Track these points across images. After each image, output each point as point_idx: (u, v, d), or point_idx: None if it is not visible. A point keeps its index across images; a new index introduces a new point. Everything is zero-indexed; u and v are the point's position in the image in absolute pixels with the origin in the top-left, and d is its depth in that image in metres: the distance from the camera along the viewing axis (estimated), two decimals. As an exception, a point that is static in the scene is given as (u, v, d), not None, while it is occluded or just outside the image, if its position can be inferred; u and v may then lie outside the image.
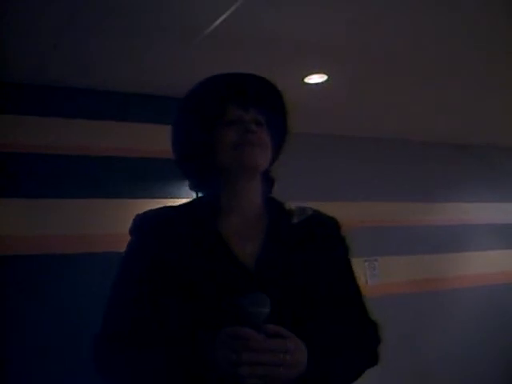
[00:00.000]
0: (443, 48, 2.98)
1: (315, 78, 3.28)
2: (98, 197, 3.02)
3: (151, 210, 1.19)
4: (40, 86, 3.02)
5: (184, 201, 1.27)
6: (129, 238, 1.19)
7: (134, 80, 3.12)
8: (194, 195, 1.29)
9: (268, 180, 1.26)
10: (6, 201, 2.83)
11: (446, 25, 2.72)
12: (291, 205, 1.25)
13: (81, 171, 3.05)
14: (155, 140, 3.00)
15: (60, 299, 2.81)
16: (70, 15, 2.38)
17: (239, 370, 0.93)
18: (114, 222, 2.89)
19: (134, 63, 2.91)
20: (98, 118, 3.15)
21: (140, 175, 3.15)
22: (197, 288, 1.05)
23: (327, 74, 3.25)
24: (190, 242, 1.11)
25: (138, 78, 3.09)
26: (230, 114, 1.17)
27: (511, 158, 5.17)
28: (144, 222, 1.17)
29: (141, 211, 1.20)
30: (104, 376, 1.12)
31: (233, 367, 0.93)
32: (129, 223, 1.19)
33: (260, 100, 1.20)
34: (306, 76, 3.25)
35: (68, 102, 3.10)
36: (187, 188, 1.28)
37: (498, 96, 3.80)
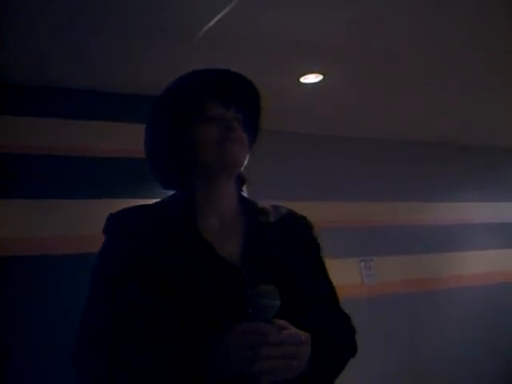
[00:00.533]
0: (443, 48, 2.99)
1: (311, 78, 3.28)
2: (98, 197, 3.02)
3: (126, 209, 1.16)
4: (40, 87, 3.01)
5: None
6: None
7: (133, 81, 3.11)
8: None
9: (239, 179, 1.25)
10: (6, 202, 2.82)
11: (446, 25, 2.72)
12: (264, 203, 1.25)
13: (80, 172, 3.04)
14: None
15: (60, 300, 2.80)
16: (70, 15, 2.38)
17: (255, 366, 0.92)
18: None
19: (134, 63, 2.91)
20: (98, 119, 3.14)
21: (139, 176, 3.14)
22: (185, 288, 1.03)
23: (323, 74, 3.25)
24: (171, 241, 1.09)
25: (137, 78, 3.09)
26: (210, 111, 1.16)
27: (510, 158, 5.18)
28: (121, 221, 1.14)
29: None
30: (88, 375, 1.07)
31: (249, 363, 0.92)
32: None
33: (239, 97, 1.20)
34: (302, 76, 3.25)
35: (68, 103, 3.09)
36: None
37: (497, 96, 3.80)
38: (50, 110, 3.03)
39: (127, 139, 3.19)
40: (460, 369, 4.16)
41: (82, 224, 2.95)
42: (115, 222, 1.14)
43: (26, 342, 2.70)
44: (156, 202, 1.21)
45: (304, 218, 1.28)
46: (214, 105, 1.16)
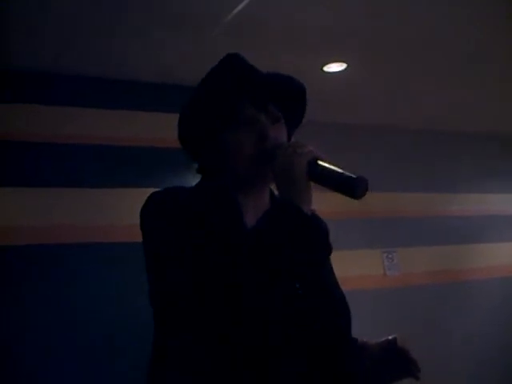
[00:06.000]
0: (470, 34, 2.92)
1: (334, 67, 3.25)
2: (110, 186, 3.02)
3: (169, 187, 1.08)
4: (53, 74, 3.00)
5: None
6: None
7: (146, 69, 3.10)
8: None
9: None
10: (17, 190, 2.82)
11: (473, 12, 2.66)
12: None
13: (94, 160, 3.03)
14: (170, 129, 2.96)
15: (72, 289, 2.80)
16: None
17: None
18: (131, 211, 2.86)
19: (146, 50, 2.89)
20: (110, 107, 3.13)
21: (145, 164, 3.14)
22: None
23: (346, 63, 3.21)
24: (214, 223, 1.01)
25: (150, 66, 3.08)
26: (242, 112, 1.07)
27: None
28: (172, 194, 1.06)
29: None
30: None
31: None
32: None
33: (281, 98, 1.13)
34: (326, 64, 3.21)
35: (78, 91, 3.07)
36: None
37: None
38: (61, 98, 3.02)
39: (140, 128, 3.18)
40: (483, 360, 4.11)
41: (96, 213, 2.96)
42: (168, 195, 1.06)
43: (39, 331, 2.68)
44: (193, 186, 1.13)
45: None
46: (247, 105, 1.07)
